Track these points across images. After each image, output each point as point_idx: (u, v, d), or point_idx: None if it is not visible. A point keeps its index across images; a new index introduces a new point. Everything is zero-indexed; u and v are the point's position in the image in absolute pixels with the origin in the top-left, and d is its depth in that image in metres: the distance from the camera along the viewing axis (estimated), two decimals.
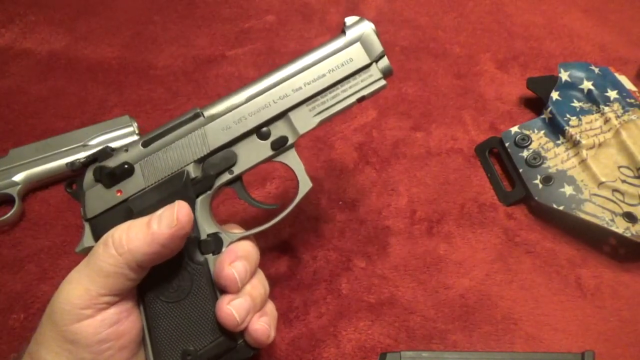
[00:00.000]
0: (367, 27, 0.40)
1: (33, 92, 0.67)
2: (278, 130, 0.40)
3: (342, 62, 0.39)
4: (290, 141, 0.40)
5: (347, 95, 0.40)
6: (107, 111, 0.64)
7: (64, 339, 0.33)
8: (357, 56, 0.39)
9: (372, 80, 0.40)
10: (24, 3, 0.78)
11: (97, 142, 0.59)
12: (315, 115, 0.40)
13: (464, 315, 0.47)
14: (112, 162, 0.37)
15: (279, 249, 0.52)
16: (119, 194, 0.37)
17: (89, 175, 0.38)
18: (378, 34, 0.40)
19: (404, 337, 0.46)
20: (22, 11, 0.77)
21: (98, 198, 0.37)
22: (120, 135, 0.59)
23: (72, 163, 0.37)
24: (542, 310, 0.47)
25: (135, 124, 0.60)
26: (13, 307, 0.49)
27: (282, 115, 0.39)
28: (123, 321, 0.35)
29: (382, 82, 0.40)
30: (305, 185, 0.41)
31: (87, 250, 0.37)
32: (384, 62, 0.40)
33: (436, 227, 0.53)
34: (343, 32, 0.40)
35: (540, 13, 0.73)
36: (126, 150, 0.38)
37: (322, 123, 0.40)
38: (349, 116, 0.62)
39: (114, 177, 0.37)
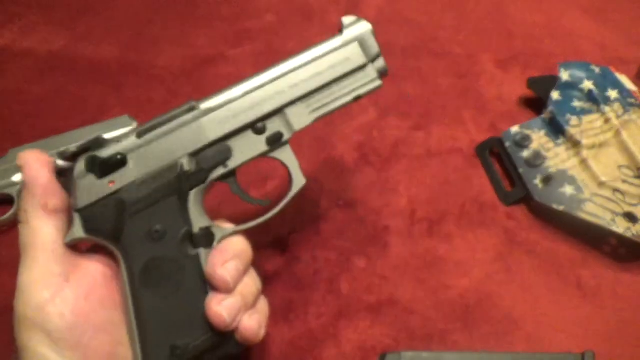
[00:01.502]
0: (364, 28, 0.41)
1: (33, 92, 0.67)
2: (274, 125, 0.40)
3: (339, 61, 0.40)
4: (286, 137, 0.40)
5: (343, 93, 0.40)
6: (107, 111, 0.64)
7: (43, 340, 0.33)
8: (354, 56, 0.40)
9: (368, 80, 0.41)
10: (24, 3, 0.78)
11: None
12: (312, 112, 0.40)
13: (464, 315, 0.47)
14: (104, 152, 0.37)
15: (279, 249, 0.52)
16: (111, 185, 0.37)
17: (80, 165, 0.37)
18: (375, 34, 0.40)
19: (404, 337, 0.46)
20: (22, 11, 0.77)
21: (89, 188, 0.36)
22: None
23: (62, 152, 0.37)
24: (542, 310, 0.47)
25: (135, 124, 0.60)
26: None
27: (279, 111, 0.39)
28: (85, 299, 0.35)
29: (378, 82, 0.41)
30: (299, 181, 0.41)
31: (77, 241, 0.37)
32: (380, 62, 0.41)
33: (436, 227, 0.53)
34: (340, 31, 0.40)
35: (540, 13, 0.72)
36: (119, 141, 0.37)
37: (317, 120, 0.40)
38: (349, 116, 0.62)
39: (106, 167, 0.37)
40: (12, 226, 0.55)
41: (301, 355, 0.46)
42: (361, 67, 0.40)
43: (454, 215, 0.54)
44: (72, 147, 0.37)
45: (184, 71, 0.68)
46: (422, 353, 0.43)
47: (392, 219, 0.54)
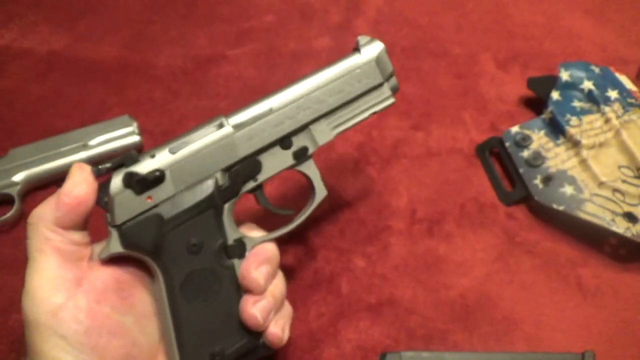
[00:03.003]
0: (379, 47, 0.43)
1: (33, 92, 0.67)
2: (300, 141, 0.42)
3: (359, 79, 0.42)
4: (310, 151, 0.42)
5: (361, 110, 0.43)
6: (107, 111, 0.64)
7: (58, 344, 0.33)
8: (372, 75, 0.43)
9: (383, 97, 0.44)
10: (24, 3, 0.78)
11: (97, 142, 0.59)
12: (333, 128, 0.42)
13: (464, 315, 0.47)
14: (140, 168, 0.37)
15: (279, 249, 0.52)
16: (149, 200, 0.37)
17: (116, 181, 0.37)
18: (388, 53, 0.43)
19: (404, 337, 0.46)
20: (22, 11, 0.77)
21: (127, 204, 0.37)
22: (120, 135, 0.59)
23: (97, 169, 0.37)
24: (542, 310, 0.47)
25: (135, 124, 0.60)
26: (13, 307, 0.49)
27: (305, 127, 0.41)
28: (97, 303, 0.35)
29: (392, 100, 0.44)
30: (321, 193, 0.43)
31: (114, 256, 0.37)
32: (393, 81, 0.44)
33: (436, 227, 0.53)
34: (357, 50, 0.43)
35: (541, 13, 0.72)
36: (152, 156, 0.38)
37: (337, 135, 0.43)
38: None
39: (145, 183, 0.37)
40: (13, 226, 0.55)
41: (301, 355, 0.46)
42: (378, 86, 0.43)
43: (454, 215, 0.54)
44: (107, 163, 0.37)
45: (184, 71, 0.68)
46: (422, 353, 0.43)
47: (392, 219, 0.54)
